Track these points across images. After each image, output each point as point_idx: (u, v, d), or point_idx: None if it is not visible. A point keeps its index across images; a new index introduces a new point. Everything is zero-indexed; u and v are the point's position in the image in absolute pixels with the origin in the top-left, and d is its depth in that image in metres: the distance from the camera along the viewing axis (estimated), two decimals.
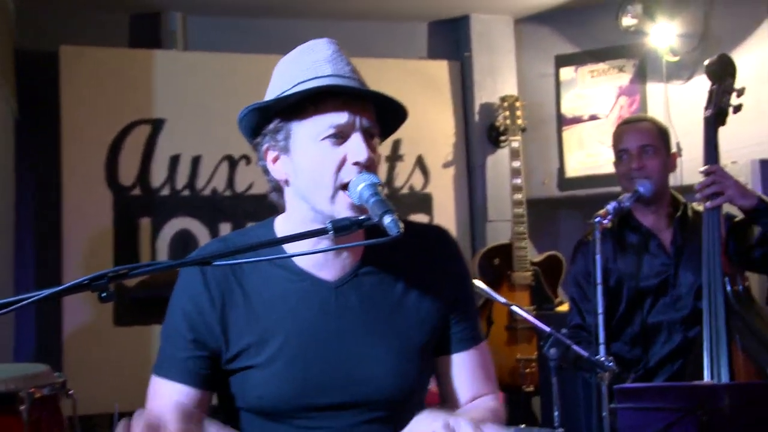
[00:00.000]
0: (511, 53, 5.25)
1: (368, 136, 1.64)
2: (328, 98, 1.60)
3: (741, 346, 2.69)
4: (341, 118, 1.60)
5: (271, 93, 1.68)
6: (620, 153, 3.03)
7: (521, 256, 4.69)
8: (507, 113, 4.87)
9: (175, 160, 4.50)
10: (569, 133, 5.17)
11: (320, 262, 1.71)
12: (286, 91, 1.63)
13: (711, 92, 2.99)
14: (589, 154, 5.08)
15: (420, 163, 5.02)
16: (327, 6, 4.90)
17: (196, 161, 4.54)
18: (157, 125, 4.47)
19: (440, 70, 5.15)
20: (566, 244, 4.89)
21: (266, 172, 1.72)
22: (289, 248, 1.70)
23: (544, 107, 5.24)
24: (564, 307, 4.23)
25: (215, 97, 4.51)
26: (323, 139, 1.60)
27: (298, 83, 1.62)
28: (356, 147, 1.60)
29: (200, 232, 4.53)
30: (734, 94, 2.97)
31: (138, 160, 4.43)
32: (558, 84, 5.21)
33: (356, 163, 1.59)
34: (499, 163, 5.12)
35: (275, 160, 1.69)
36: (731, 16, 4.52)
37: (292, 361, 1.67)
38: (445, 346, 1.81)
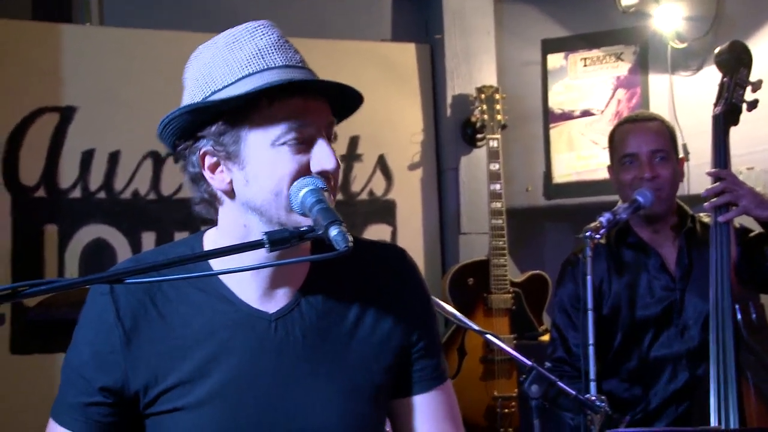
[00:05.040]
0: (490, 36, 5.25)
1: (328, 135, 1.66)
2: (286, 94, 1.60)
3: (753, 385, 2.73)
4: (303, 118, 1.61)
5: (201, 86, 1.64)
6: (625, 158, 3.03)
7: (500, 275, 4.69)
8: (484, 107, 4.86)
9: (88, 156, 4.43)
10: (557, 132, 5.19)
11: (257, 288, 1.71)
12: (229, 85, 1.61)
13: (721, 86, 3.05)
14: (581, 156, 5.10)
15: (382, 164, 5.01)
16: None
17: (113, 158, 4.48)
18: (66, 114, 4.39)
19: (406, 54, 5.14)
20: (552, 262, 4.88)
21: (195, 180, 1.71)
22: (218, 267, 1.68)
23: (529, 100, 5.24)
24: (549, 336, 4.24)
25: (137, 82, 4.46)
26: (281, 144, 1.61)
27: (246, 76, 1.60)
28: (322, 154, 1.61)
29: (119, 242, 4.47)
30: (749, 88, 3.02)
31: (43, 155, 4.36)
32: (545, 73, 5.22)
33: (322, 172, 1.61)
34: (474, 166, 5.12)
35: (214, 168, 1.67)
36: None
37: (224, 406, 1.66)
38: (404, 386, 1.82)
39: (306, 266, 1.75)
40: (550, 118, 5.21)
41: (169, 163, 4.55)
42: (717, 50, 3.10)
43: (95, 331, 1.69)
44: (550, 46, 5.22)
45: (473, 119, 4.97)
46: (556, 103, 5.20)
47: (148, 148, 4.51)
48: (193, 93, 1.65)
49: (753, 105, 3.02)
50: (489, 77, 5.17)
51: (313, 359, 1.70)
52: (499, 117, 4.85)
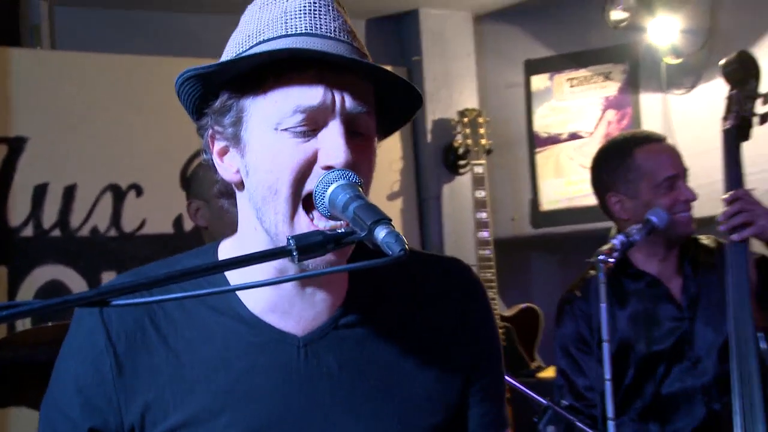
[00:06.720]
0: (471, 57, 5.28)
1: (354, 128, 1.40)
2: (298, 67, 1.38)
3: None
4: (312, 97, 1.36)
5: (228, 50, 1.47)
6: (665, 181, 2.91)
7: None
8: (467, 131, 4.84)
9: (40, 191, 4.34)
10: (544, 156, 5.17)
11: (282, 306, 1.48)
12: (243, 52, 1.42)
13: (730, 98, 3.03)
14: (570, 181, 5.08)
15: None
16: None
17: (69, 192, 4.39)
18: (15, 145, 4.31)
19: None
20: (540, 295, 4.86)
21: (214, 169, 1.52)
22: (236, 281, 1.48)
23: (513, 124, 5.24)
24: (546, 373, 4.13)
25: (92, 109, 4.40)
26: (285, 128, 1.38)
27: (259, 42, 1.41)
28: (330, 143, 1.36)
29: (76, 283, 4.38)
30: (759, 101, 2.99)
31: None
32: (529, 95, 5.23)
33: (328, 168, 1.36)
34: (458, 194, 5.11)
35: (223, 153, 1.48)
36: (743, 8, 4.54)
37: None
38: None
39: (344, 280, 1.53)
40: (535, 142, 5.21)
41: (130, 197, 4.49)
42: (723, 61, 3.10)
43: (82, 358, 1.50)
44: (533, 67, 5.24)
45: (456, 144, 4.96)
46: (541, 126, 5.20)
47: (107, 180, 4.45)
48: (224, 55, 1.49)
49: (765, 118, 3.01)
50: (470, 100, 5.19)
51: (352, 396, 1.49)
52: (483, 141, 4.85)
